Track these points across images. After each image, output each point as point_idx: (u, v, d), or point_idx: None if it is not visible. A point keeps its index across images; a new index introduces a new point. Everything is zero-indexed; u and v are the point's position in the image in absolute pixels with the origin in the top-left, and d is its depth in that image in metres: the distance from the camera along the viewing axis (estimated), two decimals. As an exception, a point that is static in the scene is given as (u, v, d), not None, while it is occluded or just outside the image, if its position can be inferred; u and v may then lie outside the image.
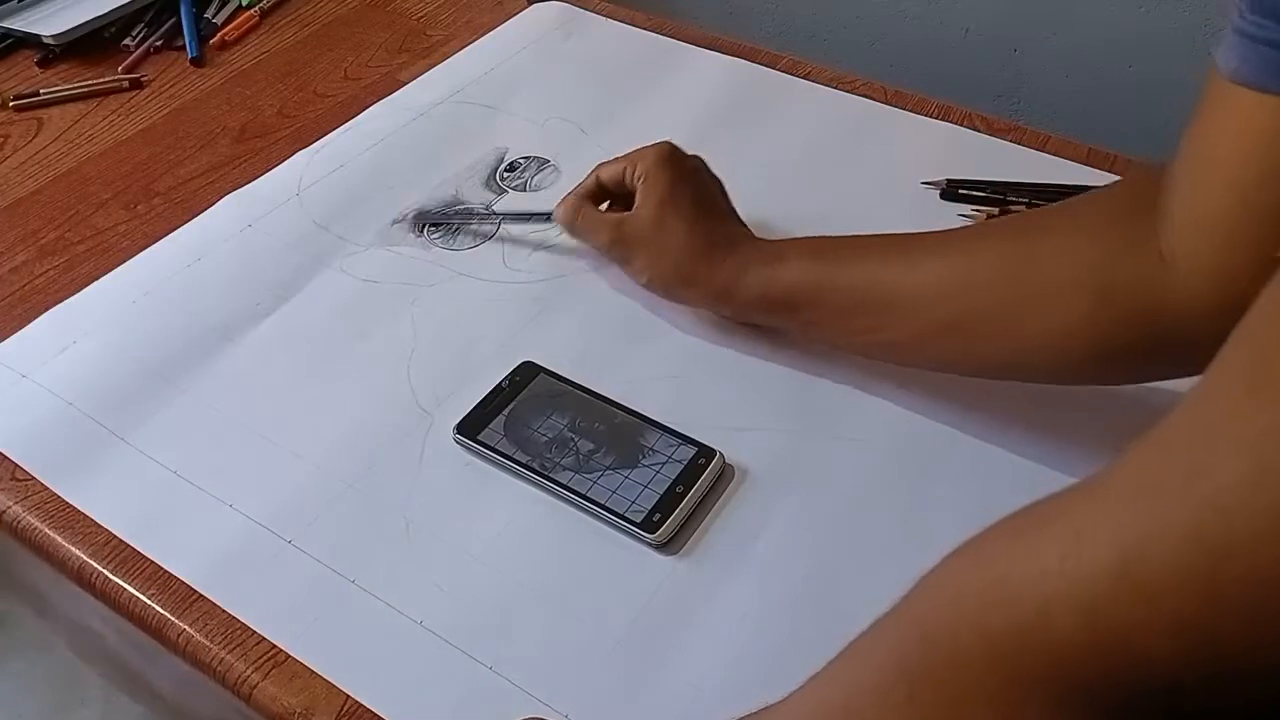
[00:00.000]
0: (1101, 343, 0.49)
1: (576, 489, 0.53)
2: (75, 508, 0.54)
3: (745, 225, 0.62)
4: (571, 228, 0.64)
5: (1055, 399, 0.57)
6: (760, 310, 0.59)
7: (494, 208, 0.71)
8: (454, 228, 0.69)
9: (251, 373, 0.60)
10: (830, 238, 0.58)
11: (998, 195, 0.69)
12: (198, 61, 0.87)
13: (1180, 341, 0.44)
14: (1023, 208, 0.68)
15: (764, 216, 0.69)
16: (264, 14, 0.92)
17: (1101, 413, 0.57)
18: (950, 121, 0.76)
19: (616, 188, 0.64)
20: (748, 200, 0.71)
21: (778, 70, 0.82)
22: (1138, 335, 0.48)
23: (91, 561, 0.52)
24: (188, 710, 0.59)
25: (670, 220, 0.60)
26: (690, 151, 0.64)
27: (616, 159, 0.64)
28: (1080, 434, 0.56)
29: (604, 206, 0.65)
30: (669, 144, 0.62)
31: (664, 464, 0.53)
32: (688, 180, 0.61)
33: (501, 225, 0.69)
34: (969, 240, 0.55)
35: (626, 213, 0.62)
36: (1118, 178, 0.70)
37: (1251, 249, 0.41)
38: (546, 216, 0.66)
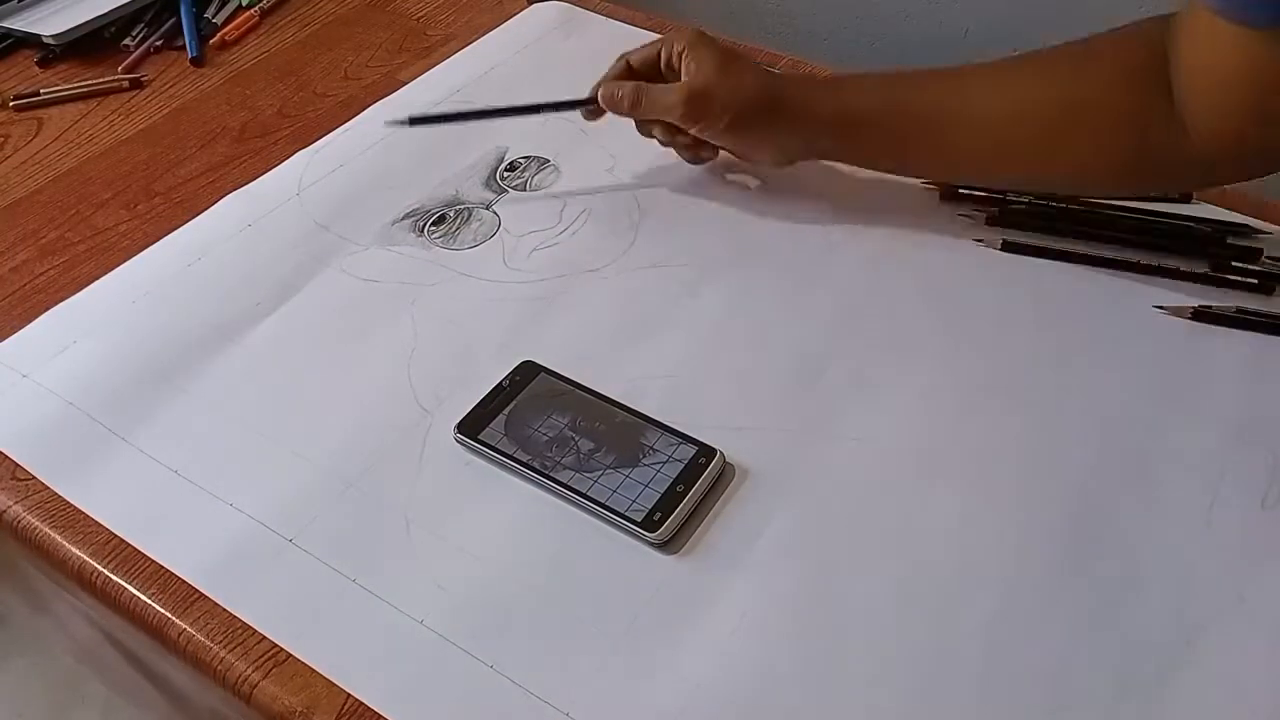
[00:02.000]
0: (1142, 171, 0.59)
1: (577, 488, 0.53)
2: (75, 507, 0.54)
3: None
4: (635, 104, 0.66)
5: (1055, 398, 0.57)
6: (832, 135, 0.64)
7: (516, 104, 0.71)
8: (455, 222, 0.69)
9: (252, 372, 0.60)
10: (897, 70, 0.63)
11: (998, 195, 0.69)
12: (198, 61, 0.87)
13: (1193, 166, 0.57)
14: (1023, 207, 0.68)
15: (763, 215, 0.69)
16: (264, 14, 0.92)
17: (1101, 412, 0.57)
18: (950, 121, 0.76)
19: (648, 70, 0.67)
20: (747, 199, 0.71)
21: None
22: (1166, 162, 0.58)
23: (91, 561, 0.52)
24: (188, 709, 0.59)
25: (736, 70, 0.63)
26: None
27: (642, 46, 0.67)
28: (1080, 434, 0.56)
29: None
30: (698, 27, 0.66)
31: (664, 463, 0.53)
32: (728, 45, 0.65)
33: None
34: (1034, 67, 0.61)
35: (686, 79, 0.64)
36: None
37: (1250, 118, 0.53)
38: (588, 103, 0.68)
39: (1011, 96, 0.60)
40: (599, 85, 0.68)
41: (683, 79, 0.64)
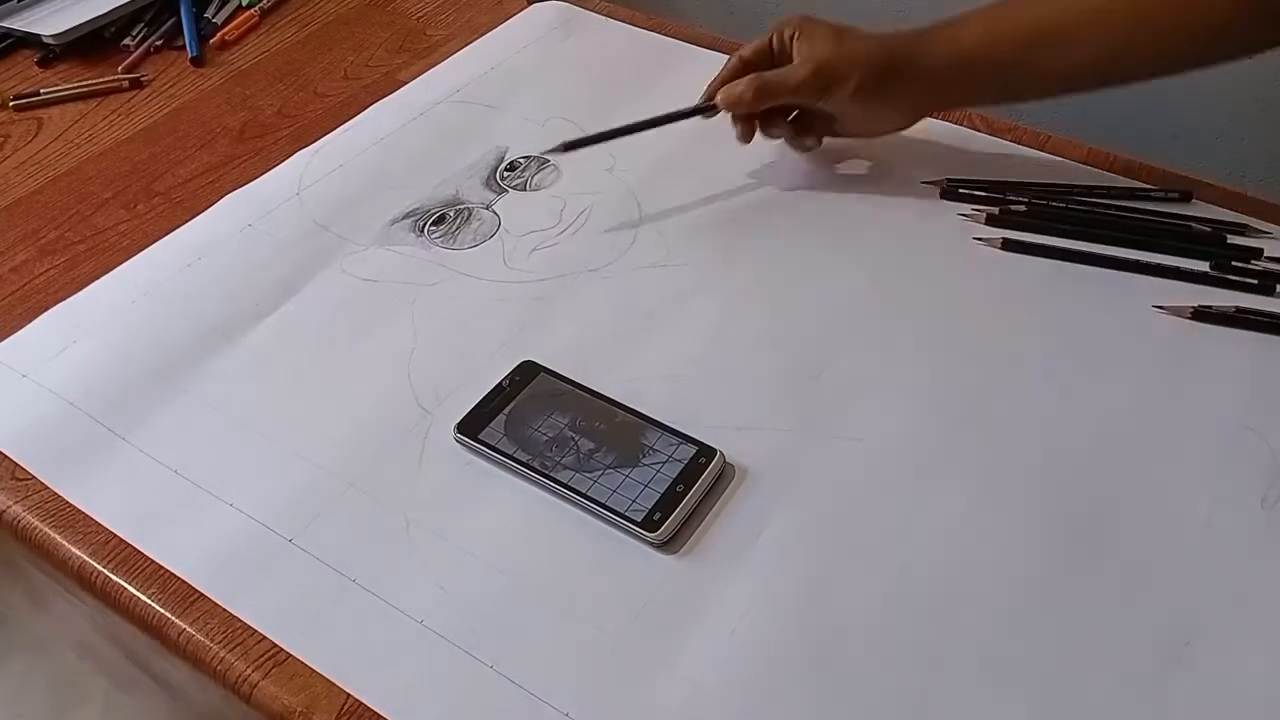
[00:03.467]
0: (1256, 26, 0.61)
1: (577, 488, 0.53)
2: (75, 507, 0.54)
3: None
4: (760, 91, 0.66)
5: (1055, 398, 0.57)
6: (956, 77, 0.65)
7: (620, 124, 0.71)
8: (455, 222, 0.69)
9: (252, 372, 0.60)
10: (994, 2, 0.65)
11: (998, 195, 0.69)
12: (198, 61, 0.87)
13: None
14: (1023, 207, 0.68)
15: (763, 215, 0.69)
16: (264, 14, 0.92)
17: (1101, 412, 0.57)
18: (950, 121, 0.76)
19: (762, 60, 0.67)
20: (747, 199, 0.71)
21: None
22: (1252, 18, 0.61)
23: (91, 561, 0.52)
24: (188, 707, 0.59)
25: (851, 39, 0.65)
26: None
27: (751, 42, 0.68)
28: (1080, 433, 0.56)
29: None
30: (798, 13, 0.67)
31: (664, 463, 0.53)
32: (833, 21, 0.66)
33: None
34: None
35: (804, 57, 0.65)
36: (1117, 177, 0.71)
37: None
38: (708, 108, 0.69)
39: None
40: (713, 87, 0.69)
41: (797, 59, 0.65)
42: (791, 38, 0.66)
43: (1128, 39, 0.63)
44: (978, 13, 0.65)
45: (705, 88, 0.70)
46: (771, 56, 0.67)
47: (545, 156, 0.72)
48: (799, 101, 0.68)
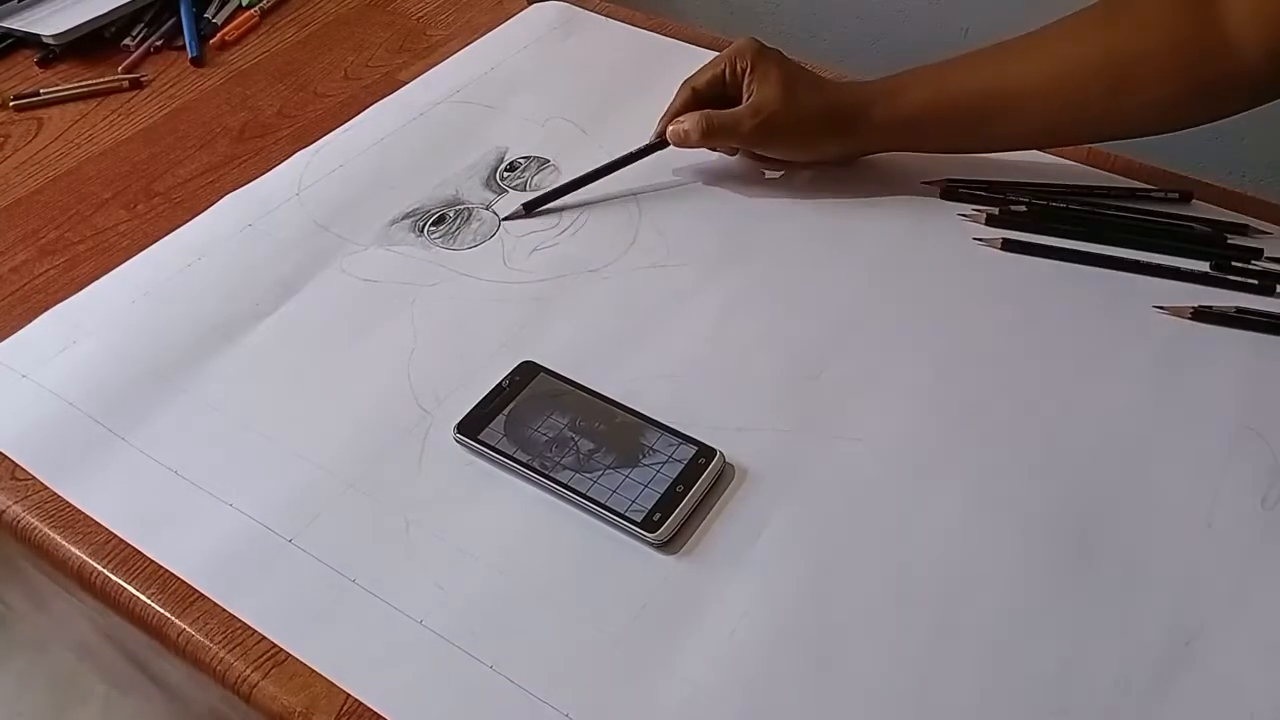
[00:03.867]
0: (1193, 105, 0.61)
1: (577, 488, 0.53)
2: (75, 507, 0.54)
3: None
4: (706, 133, 0.67)
5: (1055, 398, 0.57)
6: (895, 140, 0.68)
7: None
8: (455, 222, 0.69)
9: (251, 372, 0.60)
10: (941, 62, 0.66)
11: (998, 195, 0.69)
12: (198, 61, 0.87)
13: (1243, 89, 0.60)
14: (1023, 207, 0.68)
15: (763, 215, 0.69)
16: (264, 14, 0.92)
17: (1101, 412, 0.57)
18: (950, 121, 0.76)
19: (713, 90, 0.69)
20: (747, 199, 0.71)
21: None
22: (1218, 91, 0.60)
23: (91, 561, 0.52)
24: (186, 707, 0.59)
25: (799, 87, 0.66)
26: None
27: (702, 69, 0.69)
28: (1080, 433, 0.56)
29: None
30: (753, 38, 0.68)
31: (664, 463, 0.53)
32: (786, 58, 0.68)
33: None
34: (1070, 32, 0.63)
35: (750, 101, 0.66)
36: (1117, 177, 0.71)
37: None
38: (658, 146, 0.70)
39: (1052, 63, 0.63)
40: (664, 120, 0.70)
41: (746, 100, 0.67)
42: (744, 72, 0.67)
43: (1069, 116, 0.64)
44: (924, 74, 0.66)
45: (659, 119, 0.71)
46: (724, 87, 0.68)
47: (513, 212, 0.70)
48: (742, 146, 0.70)
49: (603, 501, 0.52)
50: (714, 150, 0.72)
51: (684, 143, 0.68)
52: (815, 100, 0.66)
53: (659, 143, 0.70)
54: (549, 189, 0.71)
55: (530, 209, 0.70)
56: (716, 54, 0.69)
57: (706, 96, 0.69)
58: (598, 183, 0.70)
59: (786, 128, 0.67)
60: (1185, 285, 0.63)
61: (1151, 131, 0.64)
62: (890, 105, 0.66)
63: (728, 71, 0.68)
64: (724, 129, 0.67)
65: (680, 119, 0.68)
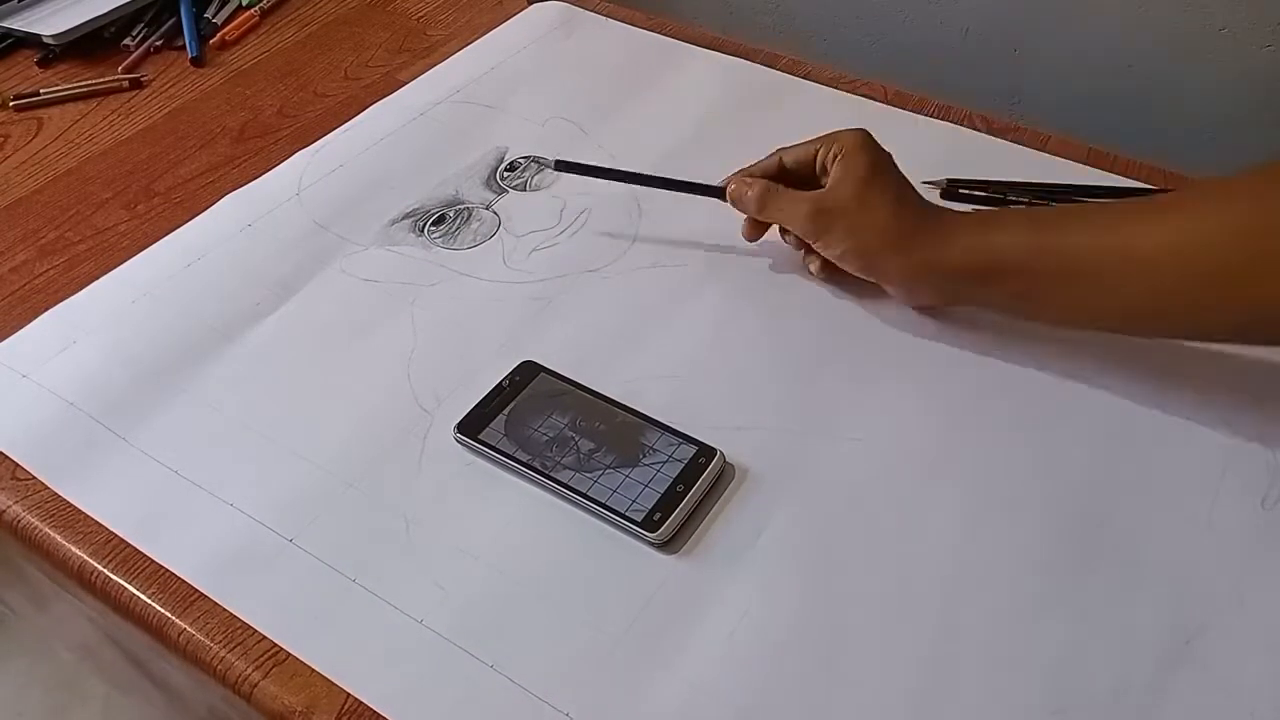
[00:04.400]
0: None
1: (577, 488, 0.53)
2: (75, 507, 0.54)
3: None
4: (761, 204, 0.62)
5: (1055, 397, 0.57)
6: (967, 279, 0.57)
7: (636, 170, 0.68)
8: (455, 222, 0.69)
9: (251, 372, 0.60)
10: (1046, 207, 0.57)
11: (998, 195, 0.69)
12: (198, 61, 0.87)
13: None
14: (1023, 207, 0.68)
15: (764, 216, 0.69)
16: (264, 14, 0.92)
17: (1101, 411, 0.57)
18: (950, 121, 0.76)
19: (802, 169, 0.62)
20: (748, 200, 0.71)
21: (778, 70, 0.82)
22: None
23: (91, 561, 0.52)
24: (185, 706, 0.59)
25: (875, 193, 0.58)
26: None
27: (802, 142, 0.62)
28: (1080, 432, 0.56)
29: None
30: (865, 131, 0.61)
31: (664, 463, 0.53)
32: (887, 163, 0.60)
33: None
34: (1193, 202, 0.53)
35: (823, 189, 0.60)
36: (1117, 177, 0.71)
37: None
38: (716, 192, 0.65)
39: (1177, 229, 0.51)
40: (738, 172, 0.65)
41: (828, 182, 0.60)
42: (833, 159, 0.60)
43: (1191, 292, 0.52)
44: (1027, 216, 0.58)
45: (737, 169, 0.65)
46: (812, 169, 0.62)
47: (542, 164, 0.70)
48: (801, 236, 0.62)
49: (603, 501, 0.52)
50: (784, 238, 0.65)
51: (740, 204, 0.64)
52: (884, 212, 0.58)
53: (718, 190, 0.65)
54: (592, 164, 0.68)
55: (561, 167, 0.68)
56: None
57: (793, 173, 0.63)
58: (599, 181, 0.70)
59: (841, 230, 0.59)
60: (1185, 285, 0.63)
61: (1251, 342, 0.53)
62: (975, 241, 0.56)
63: (821, 152, 0.61)
64: (781, 209, 0.62)
65: (749, 180, 0.63)
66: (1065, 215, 0.56)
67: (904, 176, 0.60)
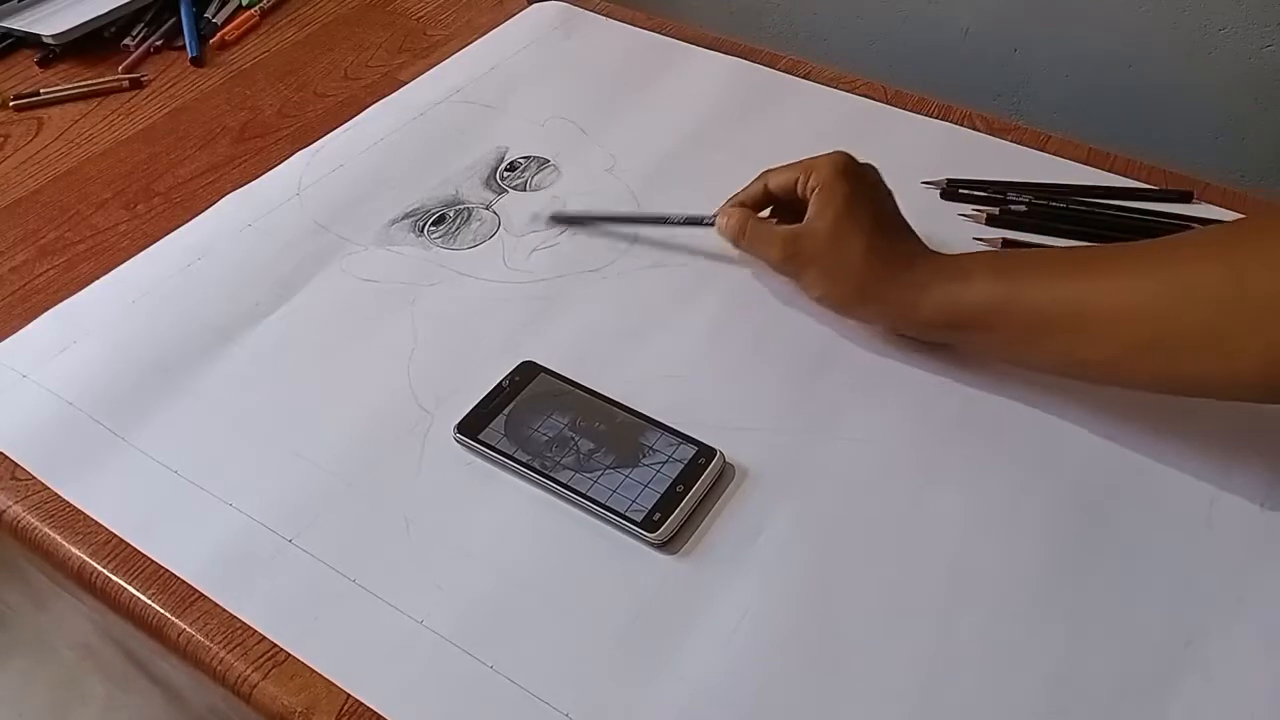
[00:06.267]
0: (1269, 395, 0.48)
1: (577, 488, 0.53)
2: (75, 507, 0.54)
3: (919, 239, 0.59)
4: (738, 240, 0.62)
5: (1055, 398, 0.57)
6: (943, 329, 0.56)
7: (625, 210, 0.69)
8: (455, 222, 0.69)
9: (251, 372, 0.60)
10: (1016, 252, 0.56)
11: (998, 195, 0.69)
12: (198, 61, 0.87)
13: None
14: (1023, 207, 0.68)
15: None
16: (264, 14, 0.92)
17: (1101, 411, 0.57)
18: (950, 121, 0.76)
19: (785, 195, 0.61)
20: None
21: (778, 70, 0.82)
22: None
23: (91, 561, 0.52)
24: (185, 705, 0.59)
25: (848, 236, 0.57)
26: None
27: (787, 166, 0.61)
28: (1080, 433, 0.56)
29: (766, 212, 0.63)
30: (845, 154, 0.60)
31: (664, 463, 0.53)
32: (865, 194, 0.58)
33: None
34: (1171, 251, 0.51)
35: (798, 226, 0.59)
36: (1117, 177, 0.71)
37: None
38: (707, 221, 0.64)
39: (1163, 280, 0.50)
40: (729, 201, 0.64)
41: (810, 213, 0.58)
42: (813, 190, 0.59)
43: (1171, 346, 0.50)
44: (1007, 262, 0.56)
45: (728, 198, 0.64)
46: (794, 193, 0.60)
47: (546, 220, 0.69)
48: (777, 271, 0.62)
49: (603, 501, 0.52)
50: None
51: (723, 231, 0.63)
52: (857, 252, 0.56)
53: (708, 220, 0.64)
54: (581, 212, 0.69)
55: (558, 220, 0.69)
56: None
57: (779, 198, 0.62)
58: (600, 182, 0.70)
59: (814, 268, 0.58)
60: (1185, 285, 0.63)
61: (1272, 395, 0.49)
62: (949, 288, 0.55)
63: (800, 181, 0.60)
64: (755, 241, 0.61)
65: (733, 211, 0.63)
66: (1033, 266, 0.54)
67: (884, 203, 0.59)
